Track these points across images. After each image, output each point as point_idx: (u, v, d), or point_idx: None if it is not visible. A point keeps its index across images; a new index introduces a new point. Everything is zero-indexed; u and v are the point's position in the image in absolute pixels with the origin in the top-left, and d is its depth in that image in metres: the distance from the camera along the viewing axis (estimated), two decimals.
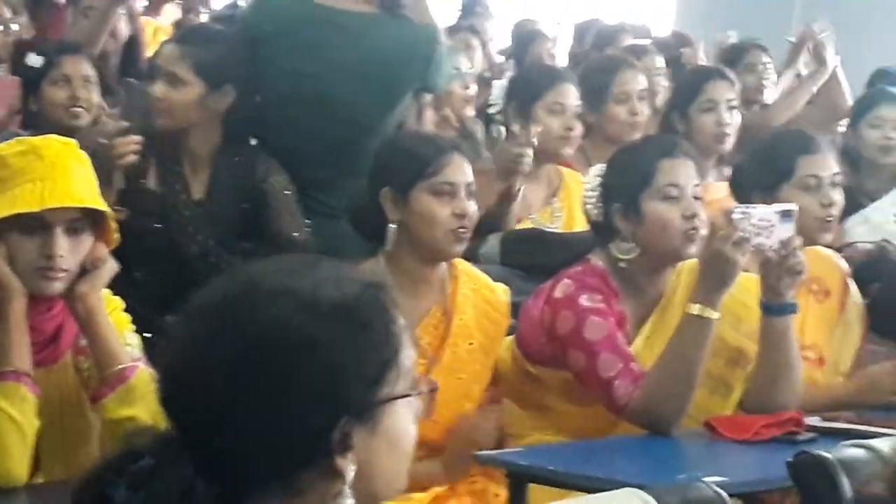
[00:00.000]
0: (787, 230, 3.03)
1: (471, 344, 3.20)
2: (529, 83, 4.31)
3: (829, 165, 3.50)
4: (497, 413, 3.18)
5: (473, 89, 5.77)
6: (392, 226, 3.15)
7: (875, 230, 4.35)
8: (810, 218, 3.35)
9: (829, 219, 3.46)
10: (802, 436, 2.92)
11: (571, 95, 4.24)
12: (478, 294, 3.24)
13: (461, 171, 3.17)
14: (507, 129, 4.22)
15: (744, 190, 3.59)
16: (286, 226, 3.57)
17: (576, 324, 3.07)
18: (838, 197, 3.48)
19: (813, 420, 3.05)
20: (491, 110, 4.40)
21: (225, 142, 3.61)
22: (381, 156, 3.29)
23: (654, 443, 2.99)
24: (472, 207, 3.16)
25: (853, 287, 3.60)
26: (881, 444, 2.25)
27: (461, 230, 3.13)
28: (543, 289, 3.18)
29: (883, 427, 2.84)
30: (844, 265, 3.64)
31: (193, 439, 1.48)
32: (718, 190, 4.31)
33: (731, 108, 4.53)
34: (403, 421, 1.52)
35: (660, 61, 5.52)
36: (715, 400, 3.17)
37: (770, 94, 5.58)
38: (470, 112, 5.75)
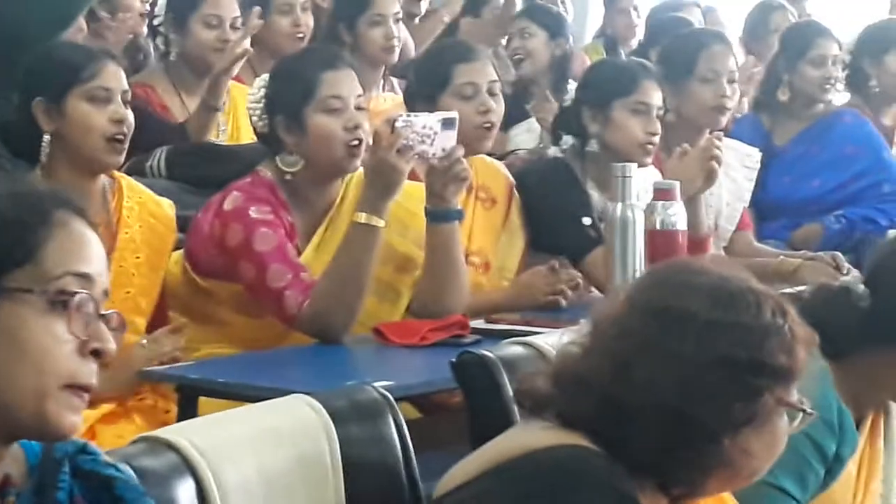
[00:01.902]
0: (449, 138, 3.07)
1: (137, 258, 3.14)
2: None
3: (486, 73, 3.56)
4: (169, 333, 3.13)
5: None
6: (46, 137, 3.05)
7: (532, 132, 4.47)
8: (469, 125, 3.40)
9: (486, 125, 3.52)
10: (468, 338, 3.00)
11: (225, 7, 4.19)
12: (143, 208, 3.18)
13: (116, 77, 3.09)
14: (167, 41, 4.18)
15: (412, 100, 3.63)
16: None
17: (245, 236, 3.05)
18: (496, 104, 3.54)
19: (478, 322, 3.13)
20: (154, 22, 4.31)
21: None
22: (32, 66, 3.17)
23: (324, 351, 3.01)
24: (131, 115, 3.09)
25: (517, 195, 3.70)
26: (540, 342, 2.32)
27: (118, 137, 3.06)
28: (212, 202, 3.15)
29: (543, 327, 2.93)
30: (507, 172, 3.74)
31: None
32: (385, 101, 4.36)
33: (398, 20, 4.57)
34: (27, 322, 1.47)
35: None
36: (384, 306, 3.22)
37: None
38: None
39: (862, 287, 2.22)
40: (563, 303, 3.38)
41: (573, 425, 1.72)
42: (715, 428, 1.70)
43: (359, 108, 3.14)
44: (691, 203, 3.57)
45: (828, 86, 4.72)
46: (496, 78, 3.57)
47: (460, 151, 3.11)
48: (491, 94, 3.53)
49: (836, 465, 2.16)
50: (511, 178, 3.72)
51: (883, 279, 2.23)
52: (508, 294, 3.48)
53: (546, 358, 2.24)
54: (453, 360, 2.30)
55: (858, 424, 2.25)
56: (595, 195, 3.65)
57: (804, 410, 1.77)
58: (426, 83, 3.59)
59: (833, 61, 4.71)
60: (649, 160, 3.68)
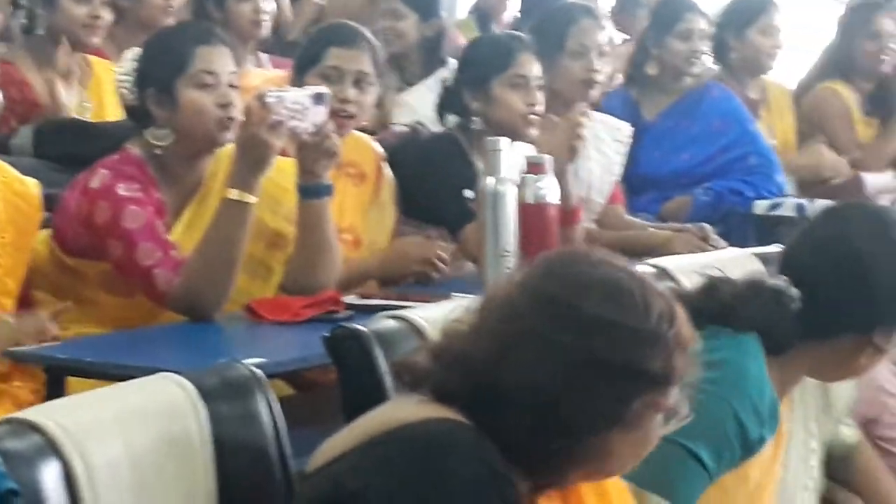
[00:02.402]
0: (320, 113, 3.05)
1: (3, 238, 3.08)
2: None
3: (357, 62, 3.49)
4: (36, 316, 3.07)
5: None
6: None
7: (411, 113, 4.46)
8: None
9: (343, 114, 3.43)
10: (341, 314, 2.98)
11: None
12: (7, 187, 3.11)
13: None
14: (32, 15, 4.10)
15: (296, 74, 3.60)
16: None
17: (113, 214, 3.01)
18: (358, 95, 3.47)
19: (351, 298, 3.12)
20: None
21: None
22: None
23: (195, 329, 2.98)
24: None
25: (387, 170, 3.69)
26: (413, 315, 2.32)
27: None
28: (79, 180, 3.10)
29: (418, 301, 2.92)
30: (379, 148, 3.73)
31: None
32: (256, 77, 4.32)
33: None
34: None
35: None
36: (256, 283, 3.19)
37: None
38: None
39: (795, 290, 2.24)
40: (435, 275, 3.39)
41: (449, 401, 1.72)
42: (584, 424, 1.70)
43: (231, 86, 3.11)
44: (559, 176, 3.60)
45: (694, 59, 4.77)
46: (368, 70, 3.51)
47: (331, 126, 3.10)
48: (357, 83, 3.49)
49: (757, 446, 2.19)
50: (380, 153, 3.70)
51: (807, 279, 2.26)
52: (380, 260, 3.47)
53: (420, 332, 2.25)
54: (326, 335, 2.29)
55: None
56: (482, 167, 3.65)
57: (678, 414, 1.76)
58: (300, 59, 3.57)
59: (700, 35, 4.76)
60: (534, 132, 3.68)
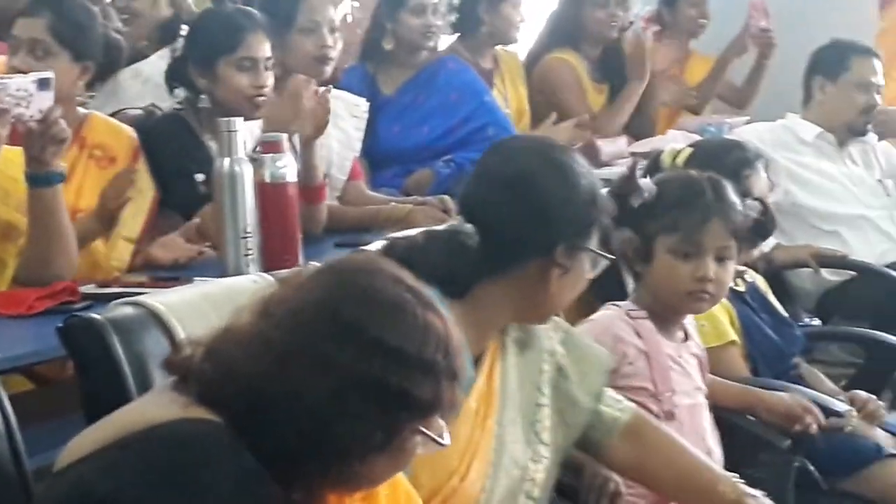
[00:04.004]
0: (45, 98, 2.96)
1: None
2: None
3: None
4: None
5: None
6: None
7: (147, 83, 4.37)
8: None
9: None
10: (78, 304, 2.91)
11: None
12: None
13: None
14: None
15: None
16: None
17: None
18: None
19: (88, 287, 3.05)
20: None
21: None
22: None
23: None
24: None
25: (143, 154, 3.61)
26: (151, 301, 2.23)
27: None
28: None
29: (156, 287, 2.87)
30: (132, 132, 3.64)
31: None
32: None
33: None
34: None
35: None
36: None
37: None
38: None
39: (468, 226, 2.26)
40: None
41: (211, 404, 1.68)
42: (348, 447, 1.68)
43: None
44: (306, 152, 3.59)
45: (429, 34, 4.81)
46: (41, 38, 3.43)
47: (58, 112, 3.01)
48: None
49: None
50: (136, 140, 3.61)
51: (481, 213, 2.28)
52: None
53: (158, 317, 2.19)
54: (60, 325, 2.23)
55: (478, 360, 2.30)
56: (215, 148, 3.60)
57: (438, 442, 1.75)
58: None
59: (433, 10, 4.80)
60: (259, 113, 3.66)
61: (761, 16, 5.77)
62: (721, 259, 2.80)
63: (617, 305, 2.84)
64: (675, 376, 2.81)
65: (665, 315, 2.86)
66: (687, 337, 2.91)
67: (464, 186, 2.37)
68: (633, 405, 2.49)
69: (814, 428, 2.94)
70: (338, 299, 1.69)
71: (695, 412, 2.83)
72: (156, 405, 1.70)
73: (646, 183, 2.81)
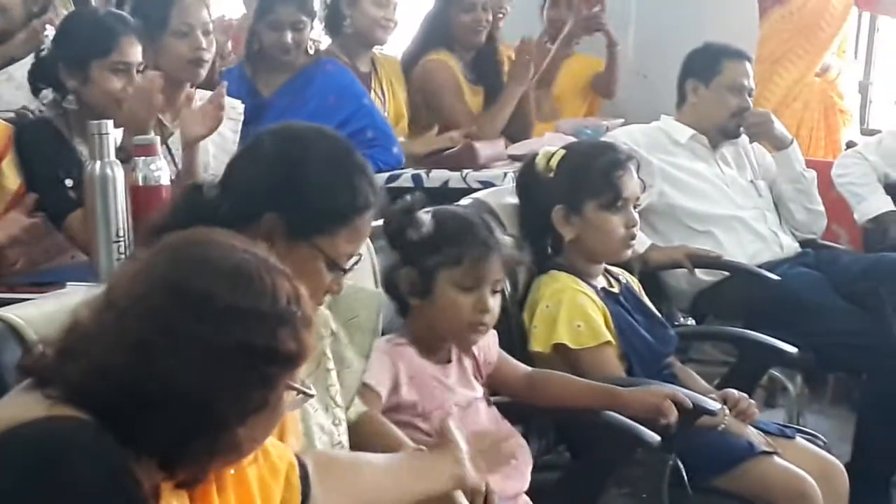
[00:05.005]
0: None
1: None
2: None
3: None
4: None
5: None
6: None
7: (21, 88, 4.29)
8: None
9: None
10: None
11: None
12: None
13: None
14: None
15: None
16: None
17: None
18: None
19: None
20: None
21: None
22: None
23: None
24: None
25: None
26: (10, 315, 2.14)
27: None
28: None
29: (25, 293, 2.83)
30: (4, 124, 3.57)
31: None
32: None
33: None
34: None
35: None
36: None
37: None
38: None
39: (209, 178, 2.30)
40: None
41: (75, 401, 1.65)
42: (231, 416, 1.68)
43: None
44: (188, 153, 3.57)
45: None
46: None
47: None
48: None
49: None
50: (9, 128, 3.54)
51: (228, 175, 2.30)
52: None
53: (17, 331, 2.13)
54: None
55: None
56: (85, 152, 3.55)
57: (307, 393, 1.80)
58: None
59: (292, 27, 4.79)
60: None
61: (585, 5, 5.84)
62: (494, 292, 2.85)
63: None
64: (439, 394, 2.85)
65: (432, 343, 2.90)
66: (450, 360, 2.93)
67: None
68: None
69: (673, 416, 2.95)
70: (180, 276, 1.69)
71: (467, 414, 2.87)
72: (17, 406, 1.68)
73: (424, 217, 2.82)
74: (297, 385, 1.78)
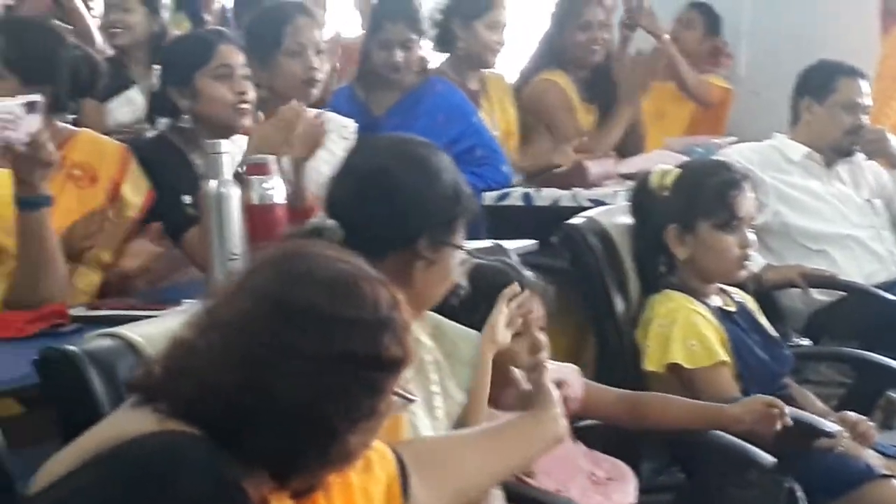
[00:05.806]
0: (33, 121, 2.95)
1: None
2: None
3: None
4: None
5: None
6: None
7: (140, 110, 4.36)
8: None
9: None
10: (67, 327, 2.90)
11: None
12: None
13: None
14: None
15: None
16: None
17: None
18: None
19: (78, 310, 3.03)
20: None
21: None
22: None
23: None
24: None
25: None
26: (129, 333, 2.19)
27: None
28: None
29: (147, 310, 2.86)
30: (120, 145, 3.58)
31: None
32: None
33: None
34: None
35: None
36: None
37: None
38: None
39: (331, 221, 2.28)
40: None
41: (184, 417, 1.67)
42: (341, 425, 1.70)
43: None
44: (296, 174, 3.58)
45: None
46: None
47: (45, 135, 3.00)
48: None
49: None
50: (125, 149, 3.56)
51: (341, 208, 2.31)
52: None
53: (136, 349, 2.15)
54: (36, 358, 2.18)
55: None
56: (202, 166, 3.57)
57: (408, 398, 1.81)
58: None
59: (400, 45, 4.81)
60: (247, 121, 3.63)
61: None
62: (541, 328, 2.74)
63: None
64: None
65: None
66: None
67: (329, 184, 2.40)
68: None
69: (787, 421, 2.90)
70: (282, 290, 1.71)
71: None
72: (129, 421, 1.70)
73: None
74: (402, 392, 1.80)
